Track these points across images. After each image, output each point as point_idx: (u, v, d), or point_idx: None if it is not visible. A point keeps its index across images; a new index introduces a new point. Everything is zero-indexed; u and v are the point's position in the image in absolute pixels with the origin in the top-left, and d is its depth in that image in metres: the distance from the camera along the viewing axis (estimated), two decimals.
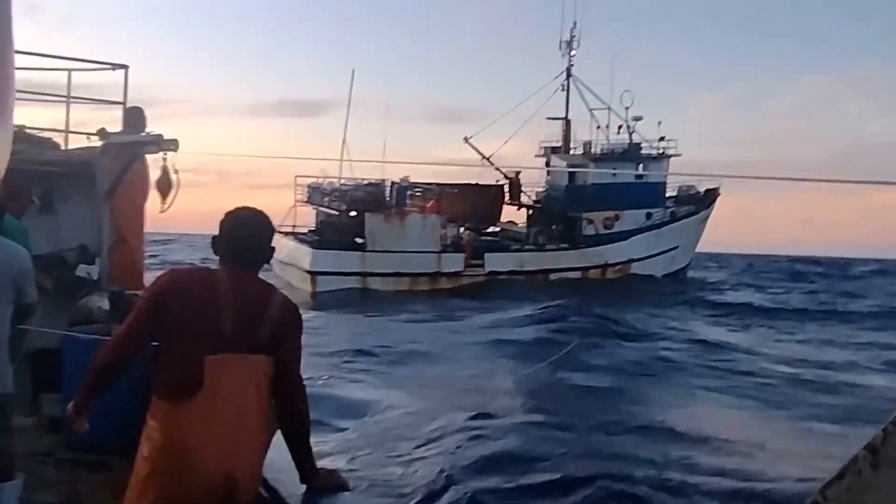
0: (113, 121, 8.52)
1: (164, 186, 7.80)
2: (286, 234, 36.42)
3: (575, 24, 40.26)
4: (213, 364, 3.02)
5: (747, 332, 24.65)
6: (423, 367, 15.85)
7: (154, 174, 8.09)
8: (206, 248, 3.77)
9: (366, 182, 35.98)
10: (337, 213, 35.37)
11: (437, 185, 38.19)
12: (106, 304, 6.93)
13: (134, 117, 8.07)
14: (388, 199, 36.04)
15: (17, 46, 2.65)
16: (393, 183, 36.51)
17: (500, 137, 40.14)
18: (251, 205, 3.39)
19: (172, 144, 7.46)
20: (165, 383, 3.06)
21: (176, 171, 7.67)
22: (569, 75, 40.62)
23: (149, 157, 8.05)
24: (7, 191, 6.59)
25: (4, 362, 4.46)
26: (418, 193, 37.26)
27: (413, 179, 37.47)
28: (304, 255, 34.02)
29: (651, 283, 38.66)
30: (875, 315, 30.29)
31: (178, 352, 3.05)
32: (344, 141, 33.93)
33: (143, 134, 7.92)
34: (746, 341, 21.35)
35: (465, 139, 38.61)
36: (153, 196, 8.18)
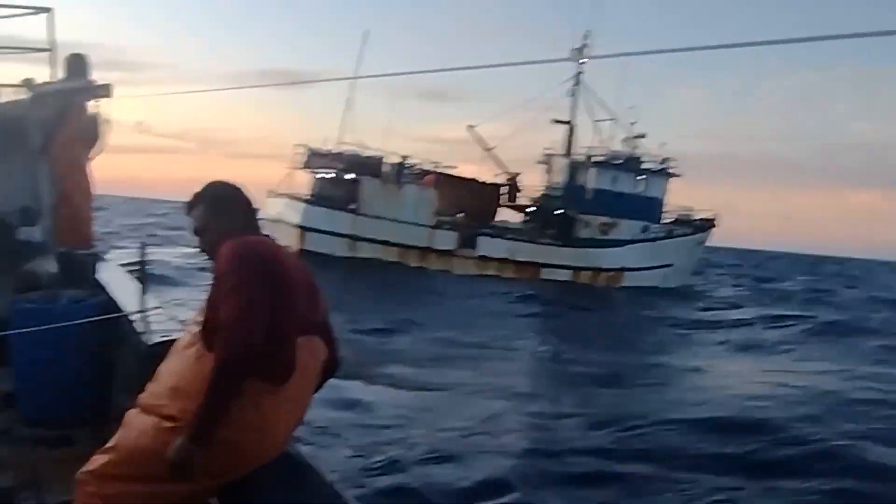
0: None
1: (92, 136, 7.22)
2: (279, 195, 35.91)
3: (588, 32, 40.56)
4: (299, 348, 2.79)
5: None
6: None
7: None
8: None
9: (367, 155, 35.79)
10: (333, 174, 34.91)
11: (437, 172, 37.91)
12: (53, 268, 6.53)
13: (75, 65, 7.43)
14: (385, 174, 35.77)
15: None
16: (393, 164, 36.30)
17: (499, 129, 39.85)
18: (227, 175, 3.15)
19: (104, 90, 6.84)
20: (266, 366, 2.68)
21: (107, 121, 7.03)
22: (577, 82, 40.77)
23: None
24: None
25: None
26: (416, 173, 36.97)
27: (410, 161, 37.32)
28: (295, 211, 33.49)
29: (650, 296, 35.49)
30: None
31: (278, 334, 2.70)
32: (348, 99, 33.64)
33: (80, 81, 7.26)
34: None
35: (470, 127, 38.47)
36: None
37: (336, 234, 33.06)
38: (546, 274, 37.06)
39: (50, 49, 7.83)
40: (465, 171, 39.33)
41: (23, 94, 7.36)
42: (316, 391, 3.05)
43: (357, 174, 34.20)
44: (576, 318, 27.46)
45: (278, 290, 2.72)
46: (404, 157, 36.74)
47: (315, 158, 35.62)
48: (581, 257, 38.18)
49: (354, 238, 33.45)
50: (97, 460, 2.84)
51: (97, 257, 7.19)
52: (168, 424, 2.73)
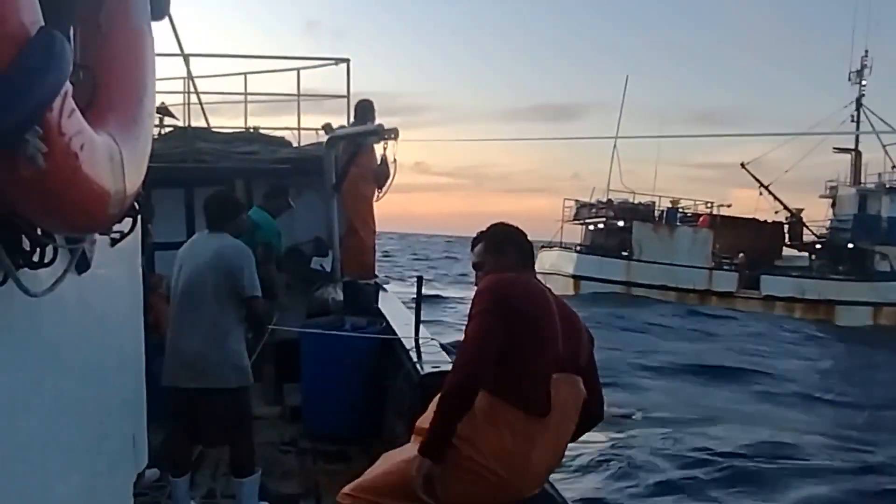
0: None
1: (381, 175, 7.65)
2: (551, 247, 36.57)
3: (867, 52, 37.90)
4: (556, 384, 2.93)
5: None
6: None
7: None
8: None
9: (637, 202, 35.68)
10: (604, 223, 35.10)
11: (712, 215, 36.74)
12: (340, 295, 7.14)
13: (363, 109, 8.23)
14: (656, 219, 35.38)
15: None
16: (663, 211, 35.81)
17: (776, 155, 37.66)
18: (499, 209, 3.46)
19: (393, 133, 7.23)
20: (520, 396, 2.87)
21: (395, 161, 7.38)
22: (859, 106, 37.98)
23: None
24: (266, 192, 7.04)
25: (241, 355, 4.46)
26: (689, 216, 36.12)
27: (682, 203, 36.57)
28: (568, 261, 33.93)
29: None
30: None
31: (530, 366, 2.90)
32: (615, 147, 33.76)
33: (369, 125, 7.85)
34: None
35: (742, 165, 36.99)
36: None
37: (611, 282, 32.96)
38: (841, 312, 34.22)
39: (346, 96, 8.78)
40: (742, 198, 37.75)
41: (322, 138, 8.22)
42: (576, 436, 3.09)
43: (628, 221, 34.09)
44: (877, 359, 24.89)
45: (521, 324, 2.84)
46: (675, 201, 36.12)
47: (584, 210, 36.08)
48: (881, 292, 34.84)
49: (629, 284, 33.12)
50: (360, 481, 3.03)
51: (379, 287, 7.73)
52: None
